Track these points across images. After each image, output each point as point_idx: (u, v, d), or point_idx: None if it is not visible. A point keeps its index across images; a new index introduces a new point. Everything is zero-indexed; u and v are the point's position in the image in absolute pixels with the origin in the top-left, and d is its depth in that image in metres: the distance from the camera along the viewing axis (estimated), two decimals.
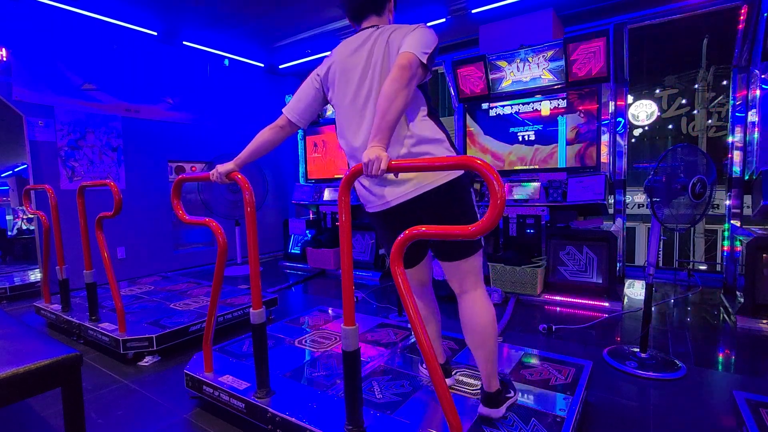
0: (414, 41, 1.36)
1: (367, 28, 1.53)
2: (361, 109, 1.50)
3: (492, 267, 3.72)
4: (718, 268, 4.73)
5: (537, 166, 4.06)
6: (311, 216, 5.61)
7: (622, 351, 2.45)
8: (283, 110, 1.67)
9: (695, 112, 10.89)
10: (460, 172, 1.45)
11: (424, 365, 1.87)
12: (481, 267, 1.57)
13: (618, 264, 3.70)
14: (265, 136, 1.69)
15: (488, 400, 1.55)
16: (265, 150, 1.71)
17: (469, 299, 1.54)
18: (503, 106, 4.22)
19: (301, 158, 5.89)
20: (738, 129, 3.42)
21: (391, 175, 1.42)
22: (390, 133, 1.29)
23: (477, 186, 4.22)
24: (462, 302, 1.57)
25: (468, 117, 4.44)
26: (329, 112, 5.50)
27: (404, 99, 1.28)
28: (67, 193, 4.05)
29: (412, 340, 2.34)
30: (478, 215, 1.45)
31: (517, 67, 4.06)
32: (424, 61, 1.33)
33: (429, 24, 4.58)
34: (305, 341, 2.38)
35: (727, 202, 3.53)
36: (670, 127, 11.77)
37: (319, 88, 1.65)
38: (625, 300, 3.50)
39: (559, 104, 3.91)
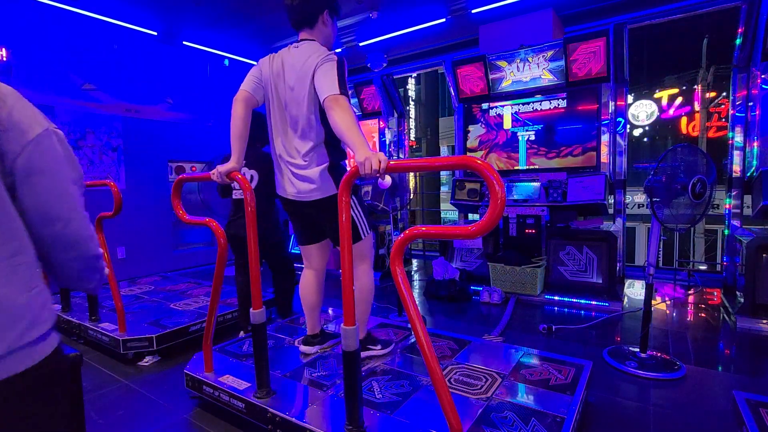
0: (323, 83, 1.64)
1: (302, 40, 1.84)
2: (283, 120, 1.84)
3: (492, 267, 3.72)
4: (718, 268, 4.73)
5: (537, 166, 4.06)
6: None
7: (622, 351, 2.45)
8: (240, 87, 1.87)
9: (697, 111, 10.89)
10: (332, 192, 1.81)
11: (298, 340, 2.29)
12: (369, 250, 2.05)
13: (618, 264, 3.70)
14: (236, 115, 1.81)
15: None
16: (246, 128, 1.83)
17: (357, 270, 1.94)
18: (503, 106, 4.22)
19: None
20: (738, 129, 3.42)
21: (388, 178, 1.53)
22: (361, 139, 1.48)
23: (476, 186, 4.22)
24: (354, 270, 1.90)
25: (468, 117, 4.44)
26: None
27: (349, 119, 1.54)
28: None
29: (412, 340, 2.34)
30: (360, 222, 1.92)
31: (517, 67, 4.06)
32: (338, 92, 1.60)
33: (429, 24, 4.58)
34: None
35: (727, 205, 3.53)
36: (670, 127, 11.78)
37: (261, 76, 1.87)
38: (625, 300, 3.50)
39: (559, 104, 3.91)
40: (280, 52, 1.86)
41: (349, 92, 1.78)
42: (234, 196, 2.74)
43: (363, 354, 2.04)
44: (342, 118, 1.54)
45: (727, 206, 3.52)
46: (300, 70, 1.74)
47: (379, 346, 2.13)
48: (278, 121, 1.86)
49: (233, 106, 1.83)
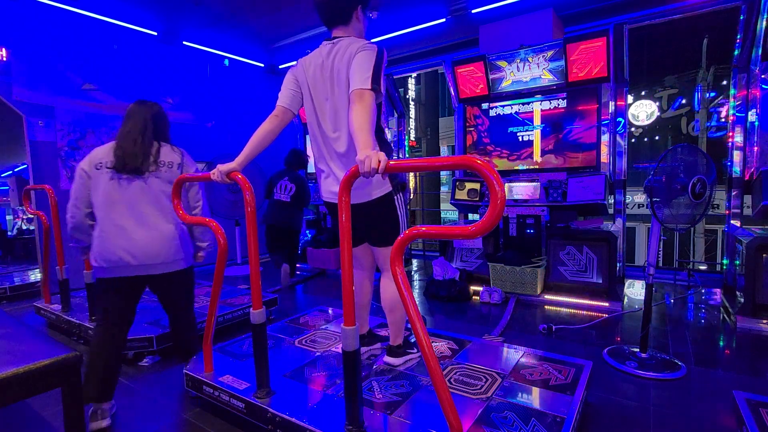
0: (355, 75, 1.59)
1: (335, 38, 1.77)
2: (325, 119, 1.79)
3: (492, 267, 3.72)
4: (718, 268, 4.74)
5: (537, 166, 4.06)
6: (311, 216, 5.61)
7: (622, 351, 2.45)
8: (277, 102, 1.84)
9: (697, 111, 10.89)
10: (387, 190, 1.79)
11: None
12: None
13: (618, 264, 3.70)
14: (264, 128, 1.79)
15: (391, 352, 2.05)
16: (266, 141, 1.81)
17: (387, 276, 1.96)
18: (503, 106, 4.22)
19: None
20: (738, 129, 3.42)
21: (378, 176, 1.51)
22: (368, 138, 1.45)
23: (476, 186, 4.22)
24: (382, 277, 2.00)
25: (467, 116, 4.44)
26: None
27: (366, 117, 1.51)
28: (67, 193, 4.00)
29: (412, 340, 2.34)
30: (403, 223, 1.86)
31: (517, 67, 4.06)
32: (369, 88, 1.55)
33: (429, 24, 4.59)
34: (305, 341, 2.37)
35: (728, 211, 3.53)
36: (670, 127, 11.78)
37: (298, 84, 1.84)
38: (625, 300, 3.50)
39: (559, 104, 3.91)
40: (311, 54, 1.81)
41: (383, 86, 1.66)
42: (275, 197, 4.15)
43: (402, 359, 2.03)
44: (359, 115, 1.50)
45: (727, 209, 3.52)
46: (341, 62, 1.69)
47: (415, 350, 2.10)
48: (323, 122, 1.81)
49: (265, 121, 1.80)
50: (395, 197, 1.83)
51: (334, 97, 1.75)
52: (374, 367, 2.02)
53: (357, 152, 1.40)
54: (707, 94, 10.74)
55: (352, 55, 1.65)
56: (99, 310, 1.91)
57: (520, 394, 1.73)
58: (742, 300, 2.95)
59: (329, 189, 1.88)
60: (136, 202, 1.86)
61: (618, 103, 3.76)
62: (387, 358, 2.04)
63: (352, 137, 1.69)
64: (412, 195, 4.12)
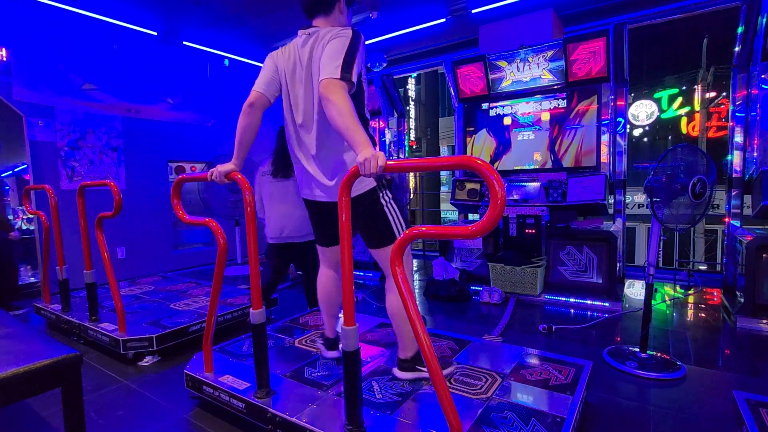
0: (324, 63, 1.48)
1: (312, 27, 1.67)
2: (300, 110, 1.70)
3: (492, 267, 3.72)
4: (718, 268, 4.73)
5: (537, 166, 4.06)
6: None
7: (622, 351, 2.45)
8: (253, 87, 1.73)
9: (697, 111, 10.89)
10: (369, 187, 1.66)
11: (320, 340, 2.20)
12: (407, 253, 1.82)
13: (618, 264, 3.69)
14: (243, 122, 1.70)
15: (399, 365, 1.88)
16: (251, 136, 1.73)
17: (390, 279, 1.78)
18: (503, 106, 4.22)
19: None
20: (738, 129, 3.42)
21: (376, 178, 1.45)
22: (363, 135, 1.36)
23: (476, 186, 4.22)
24: (387, 281, 1.81)
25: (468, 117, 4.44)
26: None
27: (346, 111, 1.39)
28: (67, 193, 4.05)
29: None
30: (395, 220, 1.73)
31: (517, 67, 4.06)
32: (338, 77, 1.43)
33: (429, 24, 4.58)
34: (305, 341, 2.37)
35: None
36: (670, 127, 11.78)
37: (277, 70, 1.73)
38: (625, 300, 3.50)
39: (559, 104, 3.91)
40: (289, 44, 1.72)
41: (361, 74, 1.56)
42: None
43: (410, 375, 1.85)
44: (339, 110, 1.38)
45: (727, 209, 3.52)
46: (317, 53, 1.59)
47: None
48: (297, 117, 1.71)
49: (241, 115, 1.69)
50: (380, 194, 1.70)
51: (310, 92, 1.66)
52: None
53: (355, 151, 1.36)
54: (707, 94, 10.74)
55: (326, 44, 1.55)
56: (271, 264, 2.85)
57: (520, 394, 1.73)
58: (742, 300, 2.95)
59: (306, 187, 1.81)
60: (283, 196, 2.69)
61: (618, 103, 3.76)
62: (395, 371, 1.90)
63: (324, 135, 1.65)
64: (412, 195, 4.13)
